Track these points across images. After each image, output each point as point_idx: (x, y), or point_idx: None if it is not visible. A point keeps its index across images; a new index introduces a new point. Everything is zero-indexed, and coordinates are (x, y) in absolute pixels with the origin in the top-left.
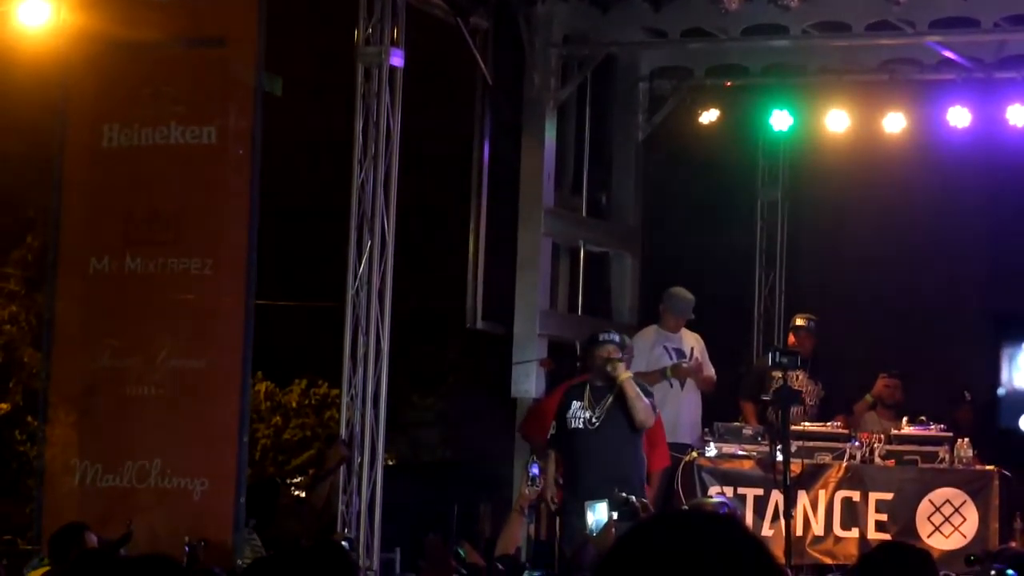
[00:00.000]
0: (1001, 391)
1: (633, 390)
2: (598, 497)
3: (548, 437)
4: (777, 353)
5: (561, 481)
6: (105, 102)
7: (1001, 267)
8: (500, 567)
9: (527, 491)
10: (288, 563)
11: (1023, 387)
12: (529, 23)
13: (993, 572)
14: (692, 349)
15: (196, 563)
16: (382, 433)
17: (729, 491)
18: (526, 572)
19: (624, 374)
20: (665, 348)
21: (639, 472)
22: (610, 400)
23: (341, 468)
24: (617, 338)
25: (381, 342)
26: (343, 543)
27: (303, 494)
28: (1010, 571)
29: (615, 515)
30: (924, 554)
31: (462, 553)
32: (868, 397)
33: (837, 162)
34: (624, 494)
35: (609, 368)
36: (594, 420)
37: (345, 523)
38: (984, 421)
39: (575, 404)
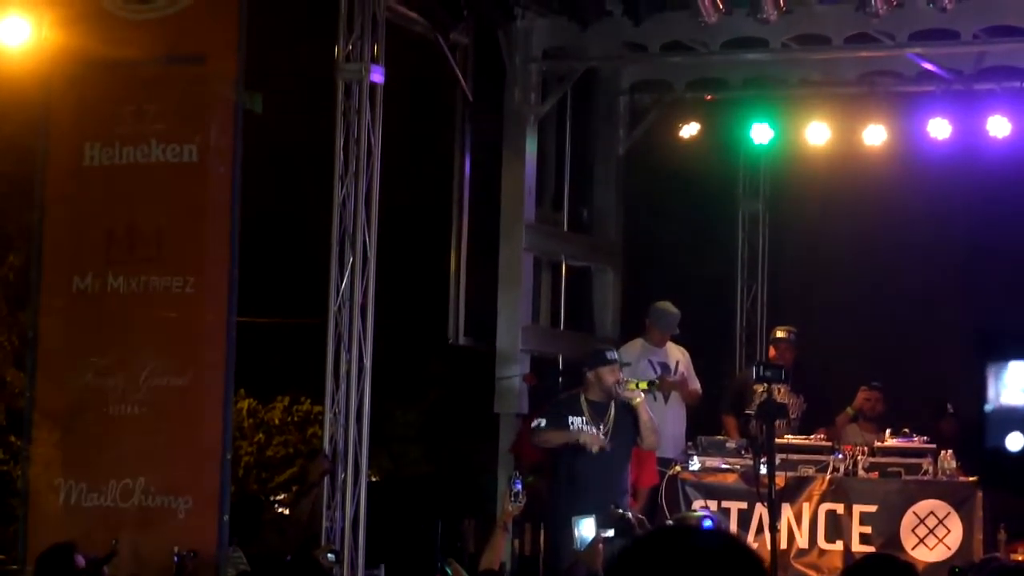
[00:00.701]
0: (988, 408)
1: (647, 414)
2: (597, 512)
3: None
4: (761, 367)
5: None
6: (86, 120)
7: (982, 279)
8: None
9: (510, 507)
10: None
11: (1010, 404)
12: (509, 39)
13: None
14: (677, 363)
15: (184, 574)
16: (365, 449)
17: (713, 504)
18: None
19: (639, 398)
20: (650, 362)
21: (628, 487)
22: (613, 415)
23: (324, 482)
24: (618, 355)
25: (364, 358)
26: (329, 555)
27: (287, 511)
28: None
29: (611, 531)
30: (909, 567)
31: (449, 571)
32: (849, 410)
33: (818, 175)
34: (620, 510)
35: (622, 389)
36: (603, 436)
37: (329, 539)
38: (970, 439)
39: (576, 420)
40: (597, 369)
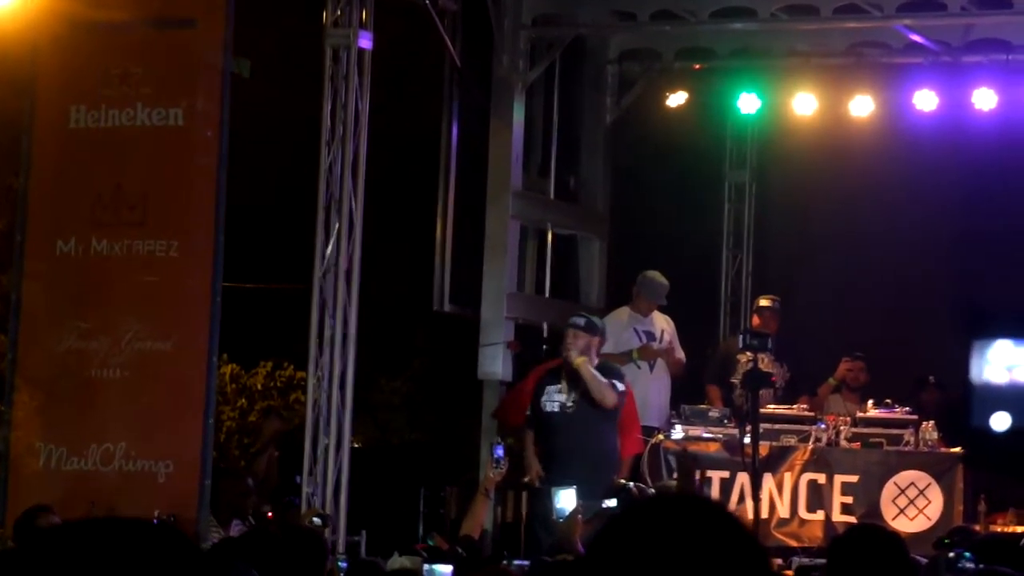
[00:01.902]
0: (973, 385)
1: (588, 373)
2: (573, 480)
3: (525, 418)
4: (747, 335)
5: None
6: (73, 83)
7: (966, 251)
8: (460, 551)
9: (492, 474)
10: (255, 545)
11: (995, 383)
12: (497, 5)
13: (952, 554)
14: (663, 331)
15: None
16: (349, 416)
17: (695, 474)
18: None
19: (578, 359)
20: (636, 331)
21: (613, 456)
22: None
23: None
24: (582, 321)
25: (348, 325)
26: (315, 519)
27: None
28: (967, 554)
29: (613, 501)
30: (895, 537)
31: (432, 543)
32: (831, 380)
33: (804, 145)
34: (622, 481)
35: (563, 350)
36: (569, 404)
37: (311, 505)
38: (954, 416)
39: (550, 388)
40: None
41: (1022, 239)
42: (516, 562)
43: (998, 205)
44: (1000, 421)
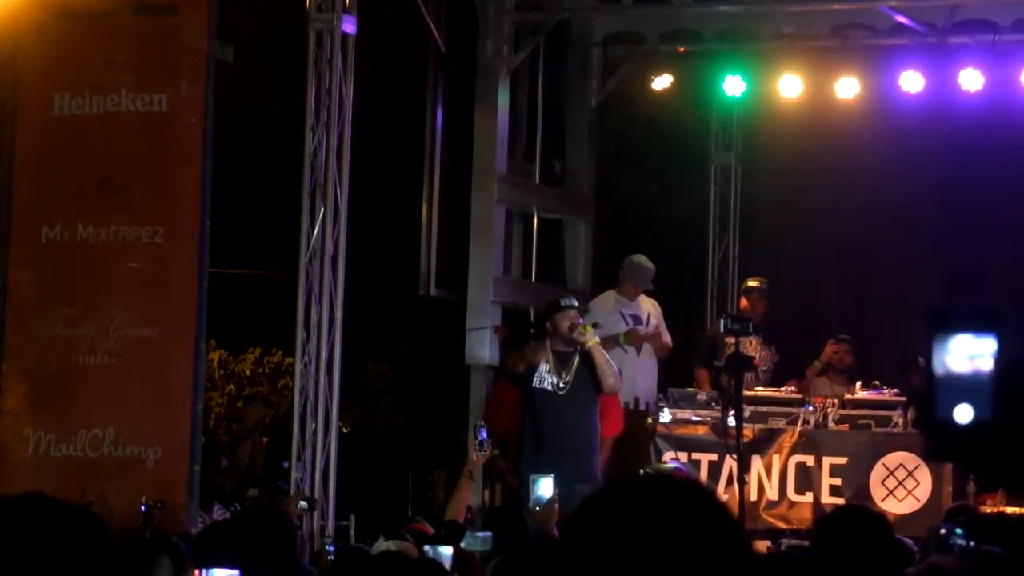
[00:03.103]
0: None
1: (602, 356)
2: (560, 462)
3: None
4: (729, 319)
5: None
6: (56, 70)
7: (952, 232)
8: (444, 534)
9: (476, 456)
10: (234, 527)
11: (958, 373)
12: None
13: (943, 531)
14: (649, 315)
15: (151, 523)
16: (336, 401)
17: (683, 456)
18: (467, 533)
19: (592, 340)
20: (622, 314)
21: (597, 438)
22: (576, 365)
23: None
24: (578, 304)
25: (335, 310)
26: (301, 503)
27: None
28: (958, 530)
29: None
30: (880, 518)
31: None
32: (817, 363)
33: (790, 127)
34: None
35: (576, 335)
36: (562, 385)
37: (299, 489)
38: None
39: (541, 367)
40: (553, 317)
41: (1008, 219)
42: (479, 533)
43: (984, 186)
44: (963, 413)
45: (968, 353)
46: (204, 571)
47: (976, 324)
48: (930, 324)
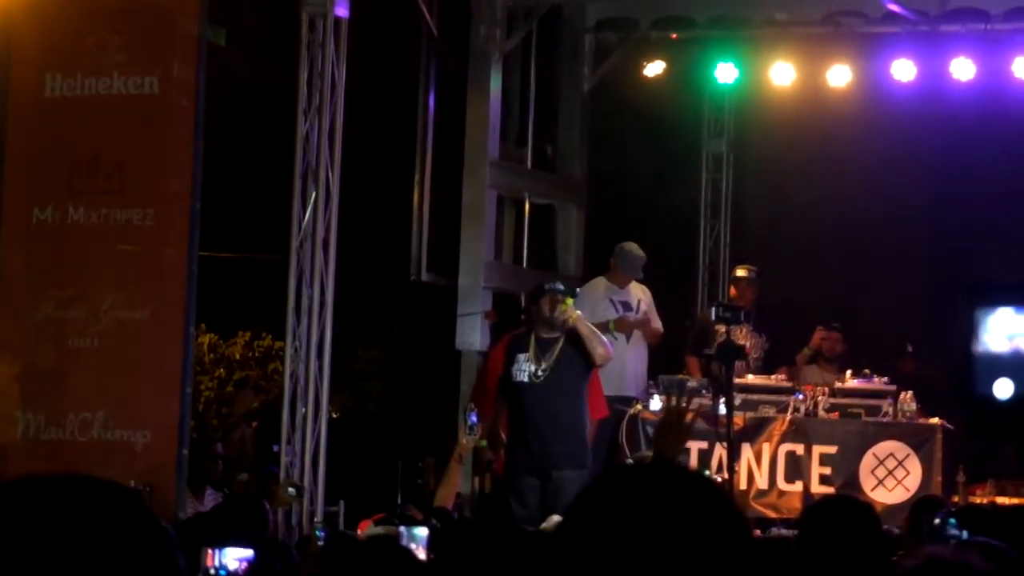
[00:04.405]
0: (976, 353)
1: (587, 328)
2: (545, 449)
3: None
4: (720, 308)
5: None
6: (47, 51)
7: (944, 219)
8: (435, 523)
9: (465, 440)
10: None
11: (996, 351)
12: None
13: (937, 521)
14: (639, 301)
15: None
16: (326, 385)
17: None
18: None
19: (574, 314)
20: (612, 301)
21: (583, 424)
22: (558, 351)
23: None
24: (562, 287)
25: (325, 294)
26: (290, 490)
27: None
28: (952, 520)
29: None
30: (866, 507)
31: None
32: (806, 350)
33: (782, 115)
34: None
35: (557, 313)
36: (539, 373)
37: (289, 474)
38: (956, 387)
39: (520, 357)
40: (537, 303)
41: (998, 207)
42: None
43: (974, 175)
44: (1003, 388)
45: (1008, 331)
46: (217, 551)
47: (1018, 297)
48: (969, 296)
